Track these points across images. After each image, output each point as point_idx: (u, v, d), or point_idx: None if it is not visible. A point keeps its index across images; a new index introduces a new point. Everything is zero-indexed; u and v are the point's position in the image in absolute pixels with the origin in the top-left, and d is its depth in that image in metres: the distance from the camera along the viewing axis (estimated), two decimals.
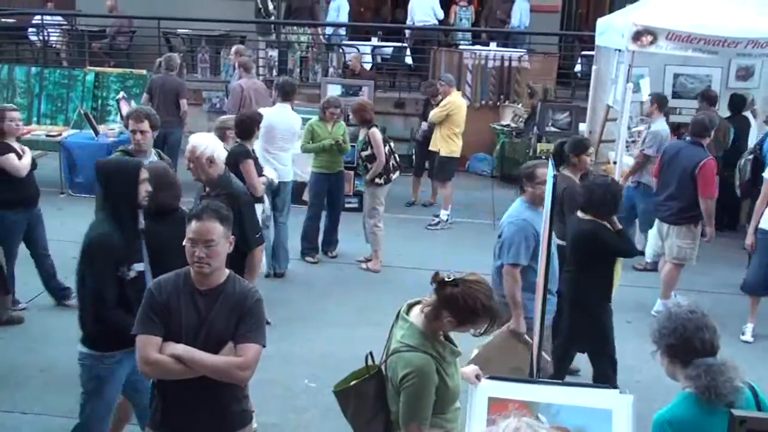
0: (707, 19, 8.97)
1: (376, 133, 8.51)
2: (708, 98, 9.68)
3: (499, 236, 5.36)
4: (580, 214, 5.62)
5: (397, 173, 8.86)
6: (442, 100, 10.25)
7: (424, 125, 10.85)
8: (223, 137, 7.19)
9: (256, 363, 3.49)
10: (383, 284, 8.07)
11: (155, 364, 3.41)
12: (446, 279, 3.34)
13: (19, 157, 6.71)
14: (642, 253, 8.35)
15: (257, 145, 7.64)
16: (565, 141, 6.63)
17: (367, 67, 13.92)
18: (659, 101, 9.15)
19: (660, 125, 9.00)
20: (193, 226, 3.46)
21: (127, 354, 4.07)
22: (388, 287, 7.86)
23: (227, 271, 3.59)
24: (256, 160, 7.12)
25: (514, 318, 5.15)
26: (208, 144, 5.25)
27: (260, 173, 7.11)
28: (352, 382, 3.58)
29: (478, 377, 3.64)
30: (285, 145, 8.41)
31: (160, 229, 4.36)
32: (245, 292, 3.55)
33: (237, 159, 6.80)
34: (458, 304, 3.28)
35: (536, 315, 4.65)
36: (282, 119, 8.41)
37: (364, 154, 8.55)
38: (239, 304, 3.50)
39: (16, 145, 6.76)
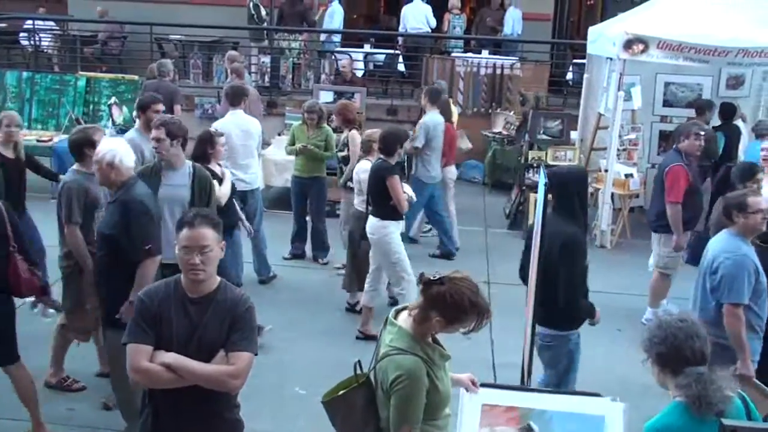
0: (698, 29, 9.04)
1: (355, 135, 8.44)
2: (696, 107, 9.73)
3: (714, 272, 4.95)
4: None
5: None
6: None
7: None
8: (368, 151, 7.39)
9: (248, 371, 3.48)
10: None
11: (145, 372, 3.39)
12: (432, 278, 3.35)
13: None
14: None
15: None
16: (731, 166, 6.71)
17: (360, 73, 13.95)
18: (431, 94, 9.26)
19: (431, 117, 9.08)
20: (185, 234, 3.45)
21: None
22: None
23: (218, 278, 3.58)
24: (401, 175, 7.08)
25: (741, 361, 4.83)
26: (109, 149, 5.05)
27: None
28: (341, 392, 3.56)
29: (474, 383, 3.64)
30: (247, 152, 8.19)
31: None
32: (237, 299, 3.54)
33: (382, 175, 6.76)
34: (446, 301, 3.28)
35: (527, 324, 4.67)
36: (234, 125, 8.12)
37: (341, 155, 8.55)
38: (231, 311, 3.49)
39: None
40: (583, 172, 5.56)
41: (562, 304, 4.79)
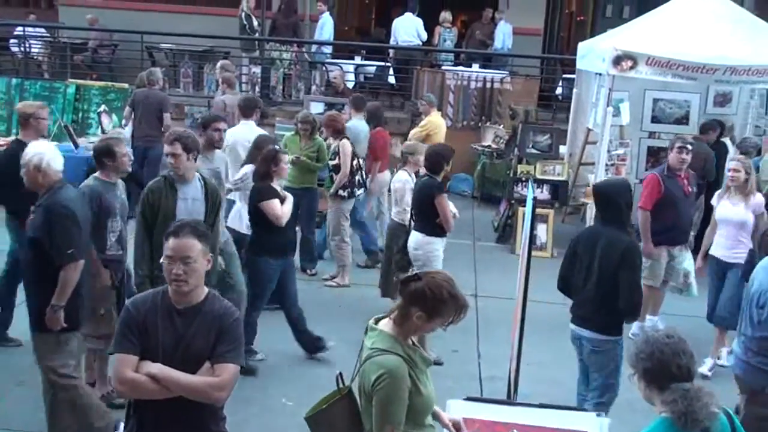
0: (686, 46, 9.11)
1: (346, 144, 8.56)
2: (701, 125, 9.97)
3: (761, 306, 4.67)
4: None
5: (362, 190, 8.89)
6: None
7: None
8: (406, 162, 7.60)
9: (234, 383, 3.47)
10: (360, 302, 8.05)
11: (130, 383, 3.38)
12: (409, 276, 3.40)
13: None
14: None
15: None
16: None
17: (350, 85, 13.97)
18: (355, 102, 9.74)
19: (354, 123, 9.37)
20: (170, 243, 3.44)
21: None
22: (365, 306, 7.81)
23: (206, 289, 3.57)
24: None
25: None
26: (36, 152, 5.04)
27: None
28: (323, 406, 3.55)
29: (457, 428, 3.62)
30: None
31: None
32: (224, 311, 3.53)
33: (430, 193, 6.74)
34: (425, 296, 3.32)
35: (514, 337, 4.67)
36: (243, 136, 8.19)
37: (332, 163, 8.59)
38: (217, 323, 3.47)
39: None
40: (627, 184, 5.85)
41: (623, 307, 5.05)
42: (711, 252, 7.14)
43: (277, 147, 7.00)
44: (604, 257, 5.07)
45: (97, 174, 5.73)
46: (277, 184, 6.64)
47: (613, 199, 5.28)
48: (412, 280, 3.37)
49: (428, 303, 3.33)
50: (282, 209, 6.49)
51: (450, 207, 6.97)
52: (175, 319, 3.46)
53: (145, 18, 15.53)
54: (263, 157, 6.70)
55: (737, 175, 6.93)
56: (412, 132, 10.36)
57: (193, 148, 5.69)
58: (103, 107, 11.47)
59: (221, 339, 3.45)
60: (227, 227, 7.25)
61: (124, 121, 10.96)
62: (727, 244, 6.99)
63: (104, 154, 5.66)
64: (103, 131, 11.05)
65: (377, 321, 3.50)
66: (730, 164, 7.21)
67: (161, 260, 3.47)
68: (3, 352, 6.53)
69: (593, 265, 5.15)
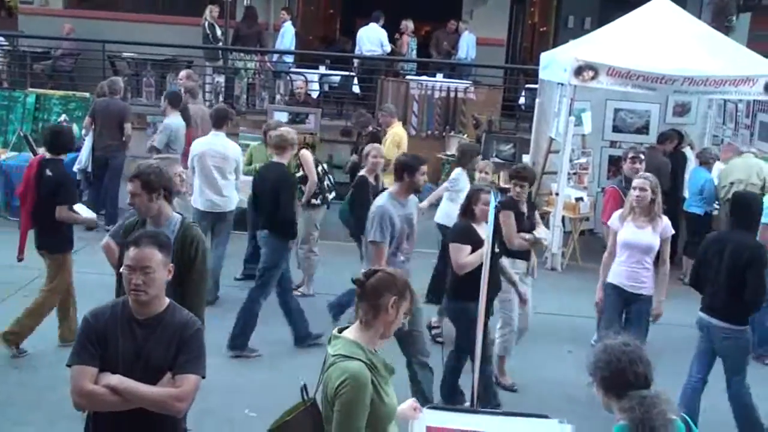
0: (646, 57, 9.27)
1: (305, 154, 8.51)
2: (659, 135, 10.19)
3: None
4: None
5: (333, 193, 8.87)
6: (374, 131, 10.23)
7: (354, 157, 10.29)
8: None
9: (195, 394, 3.44)
10: (325, 313, 8.01)
11: (89, 395, 3.33)
12: (364, 274, 3.44)
13: None
14: None
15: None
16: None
17: (315, 95, 13.97)
18: (170, 99, 9.88)
19: (173, 120, 9.59)
20: (130, 254, 3.42)
21: None
22: (329, 315, 7.79)
23: (167, 299, 3.54)
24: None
25: None
26: None
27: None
28: (286, 419, 3.52)
29: (416, 408, 3.64)
30: (222, 174, 8.18)
31: None
32: (185, 321, 3.51)
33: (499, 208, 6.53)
34: (389, 280, 3.40)
35: (477, 344, 4.69)
36: (211, 147, 8.18)
37: (297, 176, 8.53)
38: (178, 333, 3.45)
39: None
40: (759, 196, 6.60)
41: (749, 300, 5.66)
42: (611, 281, 6.41)
43: (480, 187, 6.35)
44: (733, 257, 5.69)
45: None
46: (481, 228, 5.90)
47: (752, 206, 5.98)
48: (369, 275, 3.41)
49: (397, 285, 3.40)
50: (468, 258, 5.84)
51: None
52: (135, 329, 3.43)
53: (107, 27, 15.39)
54: (468, 193, 6.27)
55: (643, 194, 6.20)
56: (386, 147, 10.14)
57: (157, 186, 4.68)
58: (63, 116, 11.34)
59: (182, 349, 3.42)
60: (437, 224, 8.04)
61: (84, 131, 10.83)
62: (630, 272, 6.30)
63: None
64: None
65: (340, 331, 3.51)
66: (635, 182, 6.37)
67: (121, 269, 3.43)
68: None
69: (722, 265, 5.73)
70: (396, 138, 10.16)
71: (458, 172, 8.11)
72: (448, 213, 7.79)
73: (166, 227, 4.62)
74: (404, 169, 5.97)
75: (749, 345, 5.97)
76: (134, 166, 5.03)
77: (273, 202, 7.17)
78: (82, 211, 6.83)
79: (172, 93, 10.30)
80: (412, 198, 6.20)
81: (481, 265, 5.38)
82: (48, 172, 6.65)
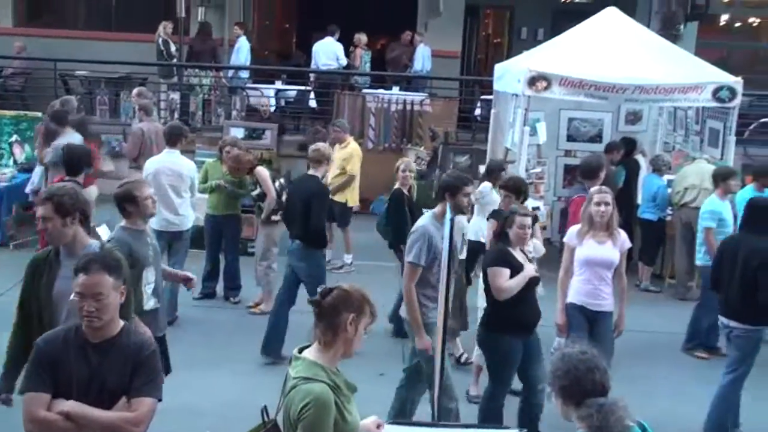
0: (598, 67, 9.41)
1: (261, 170, 8.48)
2: (606, 145, 10.33)
3: None
4: None
5: None
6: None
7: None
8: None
9: (151, 417, 3.39)
10: (287, 331, 7.96)
11: (42, 423, 3.27)
12: (321, 293, 3.38)
13: None
14: None
15: None
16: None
17: (271, 109, 13.92)
18: (55, 119, 9.53)
19: (68, 138, 9.11)
20: (80, 280, 3.36)
21: None
22: (292, 334, 7.74)
23: (121, 322, 3.49)
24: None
25: None
26: None
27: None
28: None
29: (379, 426, 3.63)
30: (177, 192, 8.10)
31: None
32: (140, 343, 3.46)
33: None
34: (347, 297, 3.35)
35: (436, 356, 4.70)
36: (165, 165, 8.12)
37: (254, 194, 8.49)
38: (133, 356, 3.40)
39: None
40: None
41: (762, 301, 5.96)
42: (573, 301, 6.32)
43: (516, 210, 5.98)
44: (747, 260, 6.05)
45: (123, 223, 5.28)
46: (518, 251, 5.81)
47: (765, 213, 6.29)
48: (325, 294, 3.36)
49: (354, 301, 3.35)
50: (509, 282, 5.66)
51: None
52: (89, 353, 3.38)
53: (59, 44, 15.17)
54: (504, 215, 6.12)
55: (607, 209, 6.10)
56: (349, 167, 10.18)
57: (72, 210, 4.18)
58: (15, 137, 11.14)
59: (137, 372, 3.38)
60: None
61: (36, 152, 10.65)
62: (592, 290, 6.25)
63: (126, 200, 5.18)
64: (15, 162, 10.72)
65: (301, 350, 3.48)
66: (596, 197, 6.18)
67: (71, 297, 3.37)
68: None
69: (736, 268, 6.10)
70: (354, 153, 10.17)
71: (486, 186, 8.18)
72: (475, 230, 7.92)
73: (88, 248, 4.19)
74: (446, 189, 5.79)
75: (759, 344, 6.28)
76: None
77: (304, 213, 7.27)
78: (104, 233, 6.53)
79: (53, 113, 9.85)
80: (459, 219, 6.20)
81: (520, 297, 5.65)
82: None
